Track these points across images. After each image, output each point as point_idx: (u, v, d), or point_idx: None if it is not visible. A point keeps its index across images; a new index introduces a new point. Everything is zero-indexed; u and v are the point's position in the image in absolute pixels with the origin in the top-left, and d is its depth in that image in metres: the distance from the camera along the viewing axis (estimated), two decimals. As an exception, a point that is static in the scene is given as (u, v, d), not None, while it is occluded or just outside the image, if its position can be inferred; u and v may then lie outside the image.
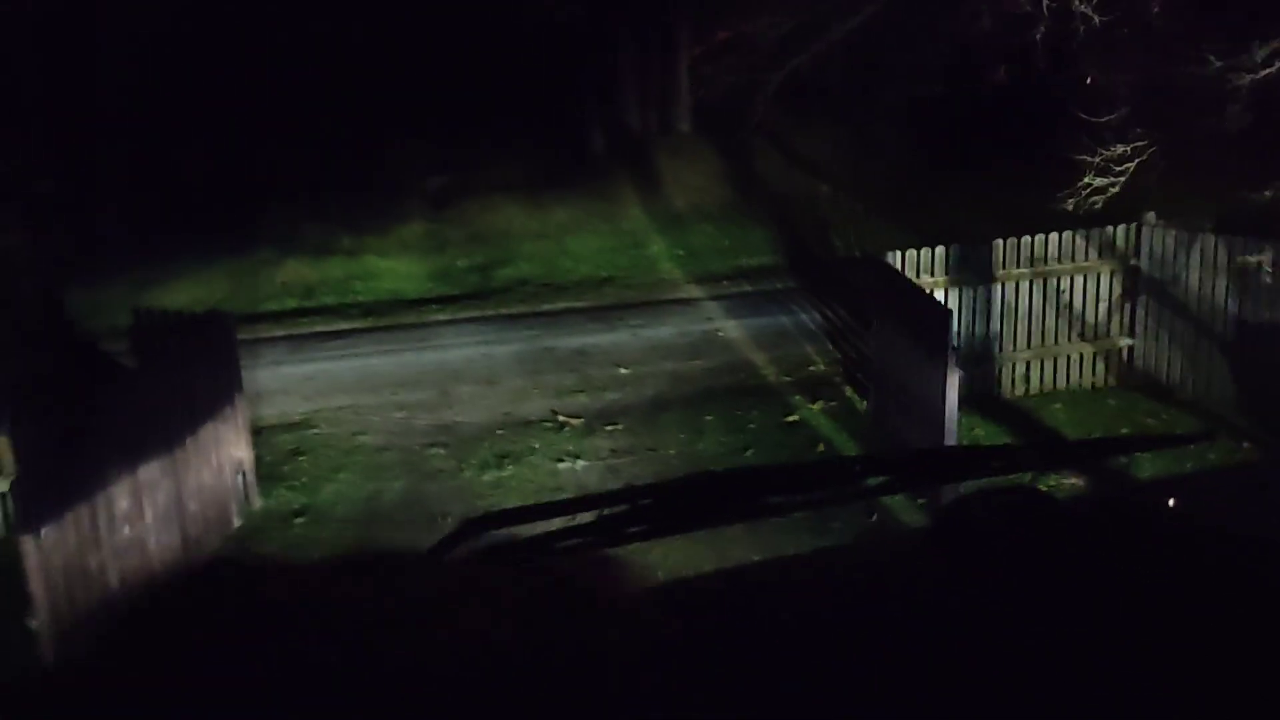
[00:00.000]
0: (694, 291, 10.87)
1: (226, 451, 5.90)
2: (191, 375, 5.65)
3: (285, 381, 8.39)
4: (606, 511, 1.55)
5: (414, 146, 14.87)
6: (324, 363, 8.87)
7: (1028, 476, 4.85)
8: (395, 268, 12.11)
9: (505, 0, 15.31)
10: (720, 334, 9.23)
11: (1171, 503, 2.02)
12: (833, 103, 16.03)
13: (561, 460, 6.79)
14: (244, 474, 6.08)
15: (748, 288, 10.89)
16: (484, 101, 15.41)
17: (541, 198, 14.01)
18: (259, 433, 7.37)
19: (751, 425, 7.18)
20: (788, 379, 8.12)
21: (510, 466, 6.71)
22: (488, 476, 6.60)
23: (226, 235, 12.57)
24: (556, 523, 1.51)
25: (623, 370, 8.41)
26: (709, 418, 7.35)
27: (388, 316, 10.39)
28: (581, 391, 8.00)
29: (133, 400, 5.28)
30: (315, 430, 7.47)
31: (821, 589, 1.58)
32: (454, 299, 10.95)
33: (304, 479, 6.70)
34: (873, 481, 1.79)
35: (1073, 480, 6.00)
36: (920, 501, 5.64)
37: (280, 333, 10.01)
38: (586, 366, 8.51)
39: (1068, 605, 1.41)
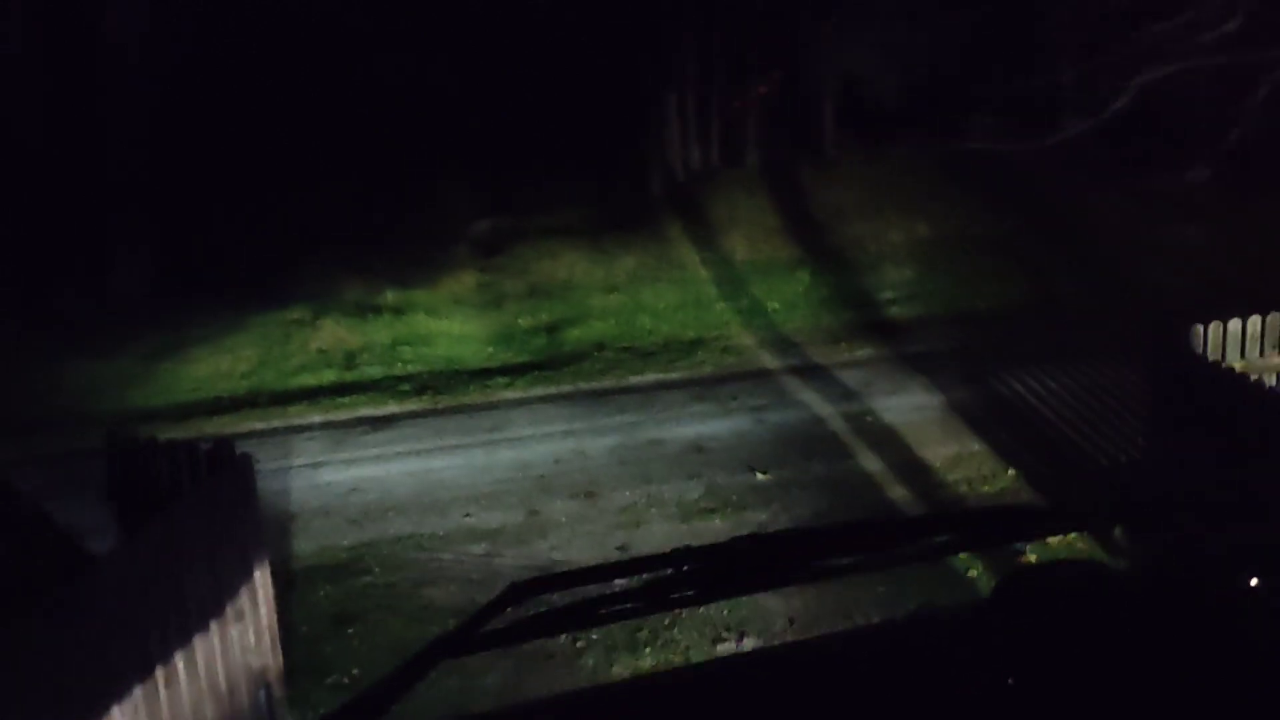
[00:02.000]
0: (811, 355, 8.72)
1: (241, 663, 3.79)
2: (186, 559, 3.55)
3: (325, 496, 6.30)
4: (654, 575, 1.46)
5: (458, 189, 12.87)
6: (372, 464, 6.77)
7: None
8: (448, 328, 10.04)
9: (551, 31, 13.36)
10: (869, 419, 7.09)
11: (1255, 582, 1.58)
12: (914, 134, 13.97)
13: (722, 639, 4.65)
14: (268, 691, 3.94)
15: (873, 350, 8.74)
16: (530, 139, 13.43)
17: (603, 243, 11.94)
18: (292, 582, 5.27)
19: (973, 574, 4.99)
20: (988, 490, 5.99)
21: (649, 651, 4.57)
22: (621, 667, 4.47)
23: (254, 291, 10.53)
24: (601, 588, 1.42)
25: (760, 476, 6.28)
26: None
27: (446, 394, 8.29)
28: (714, 511, 5.88)
29: (95, 608, 3.22)
30: (367, 578, 5.35)
31: (879, 662, 1.52)
32: (522, 369, 8.85)
33: (355, 669, 4.58)
34: (937, 540, 1.60)
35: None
36: None
37: (317, 418, 7.93)
38: (710, 469, 6.38)
39: (1124, 692, 1.32)
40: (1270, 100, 9.14)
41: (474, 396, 8.23)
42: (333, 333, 9.87)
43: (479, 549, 5.59)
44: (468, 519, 5.92)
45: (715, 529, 5.63)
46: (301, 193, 11.55)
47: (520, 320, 10.27)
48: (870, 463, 6.41)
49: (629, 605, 1.41)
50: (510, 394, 8.22)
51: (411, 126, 12.70)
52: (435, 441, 7.11)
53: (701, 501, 5.98)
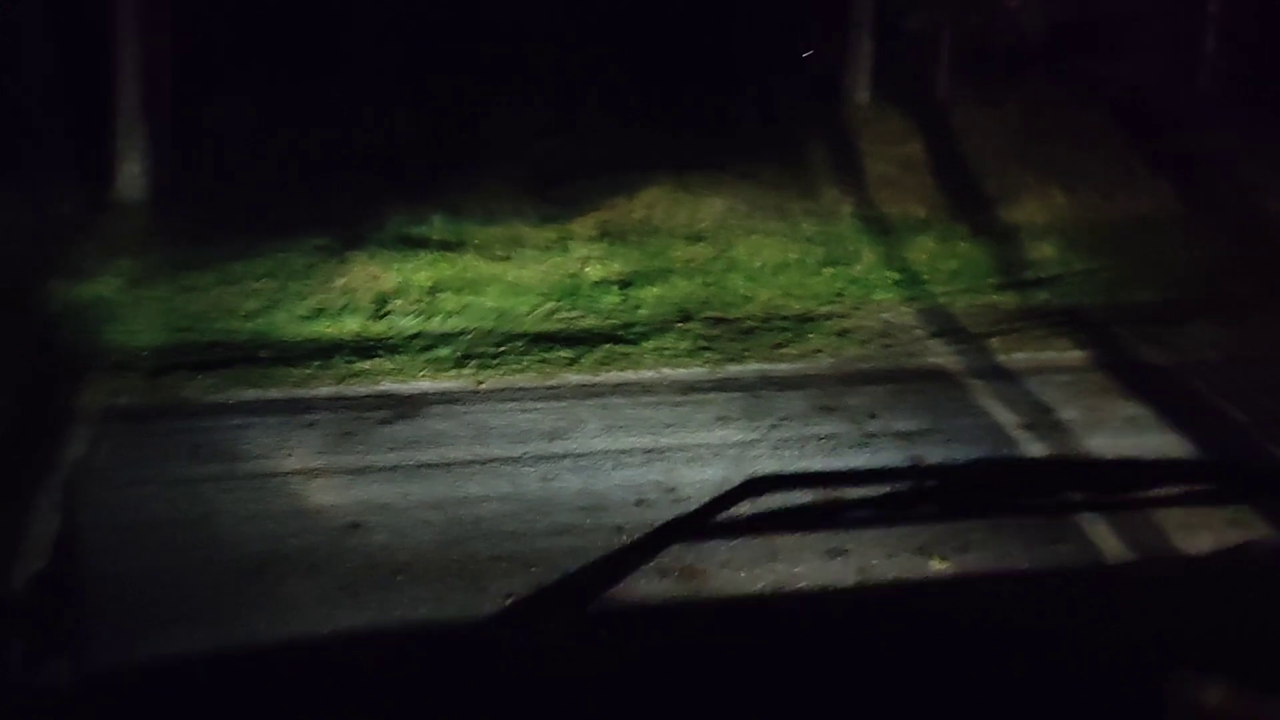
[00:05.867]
0: (959, 352, 6.43)
1: None
2: None
3: (315, 532, 4.21)
4: (894, 486, 1.34)
5: (518, 100, 10.56)
6: (386, 482, 4.64)
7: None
8: (501, 273, 7.83)
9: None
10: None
11: None
12: (1049, 77, 11.42)
13: None
14: None
15: (1051, 353, 6.43)
16: (600, 44, 11.07)
17: (687, 180, 9.61)
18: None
19: None
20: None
21: None
22: None
23: (274, 210, 8.38)
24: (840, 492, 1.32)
25: (936, 564, 4.12)
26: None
27: (493, 368, 6.12)
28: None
29: None
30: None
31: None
32: (589, 339, 6.65)
33: None
34: (1195, 487, 1.37)
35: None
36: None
37: (325, 389, 5.81)
38: (857, 543, 4.23)
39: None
40: None
41: (529, 375, 6.06)
42: (364, 269, 7.71)
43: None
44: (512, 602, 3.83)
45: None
46: (336, 93, 9.29)
47: (588, 270, 8.04)
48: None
49: (865, 513, 1.33)
50: (575, 376, 6.04)
51: (470, 22, 10.32)
52: (474, 450, 4.96)
53: (857, 605, 3.85)
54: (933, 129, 10.89)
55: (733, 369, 6.17)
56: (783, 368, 6.22)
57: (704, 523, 1.31)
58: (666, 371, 6.12)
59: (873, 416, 5.37)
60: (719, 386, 5.84)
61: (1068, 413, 5.46)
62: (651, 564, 1.30)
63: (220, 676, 1.09)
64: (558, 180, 9.62)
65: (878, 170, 10.29)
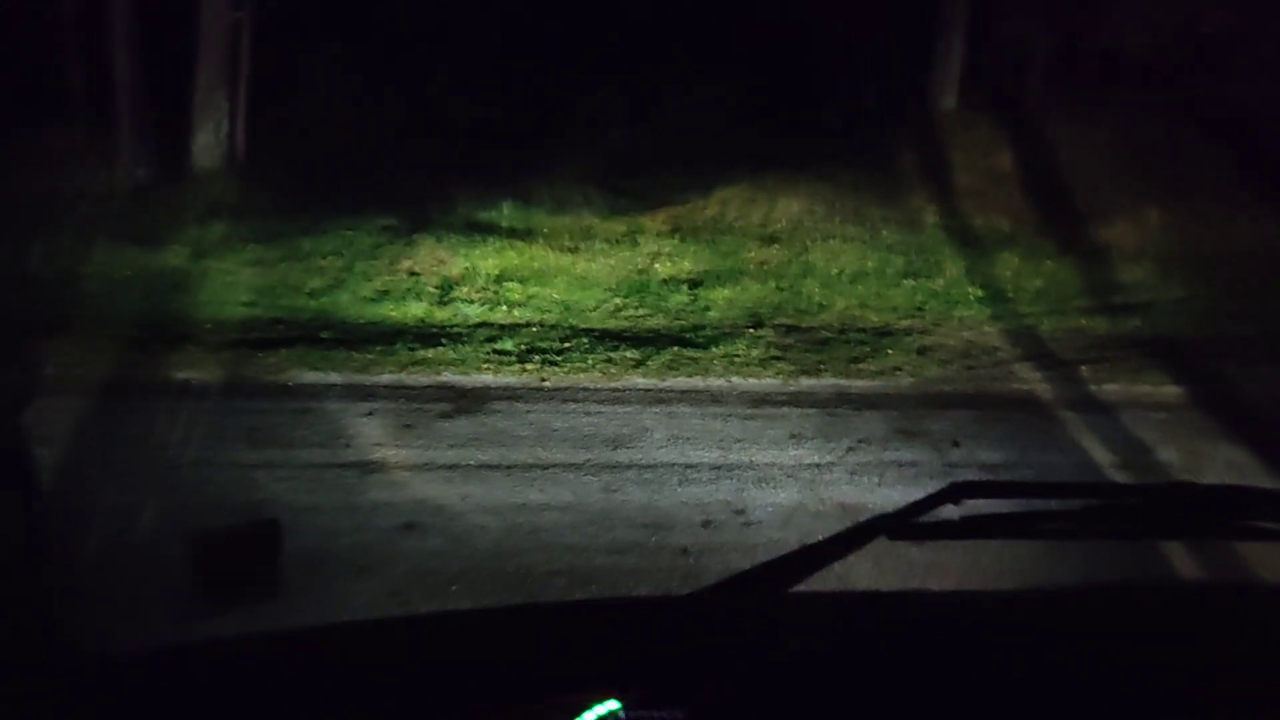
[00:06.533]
0: (1050, 378, 6.05)
1: None
2: None
3: (369, 530, 4.01)
4: (1094, 501, 1.42)
5: (599, 95, 10.32)
6: (444, 482, 4.42)
7: None
8: (570, 265, 7.61)
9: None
10: (1222, 552, 4.47)
11: None
12: (1150, 95, 10.89)
13: None
14: None
15: (1158, 386, 6.01)
16: (679, 32, 10.78)
17: (763, 178, 9.33)
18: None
19: None
20: None
21: None
22: None
23: (345, 187, 8.25)
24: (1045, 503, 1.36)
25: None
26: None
27: (557, 365, 5.89)
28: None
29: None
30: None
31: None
32: (657, 340, 6.39)
33: None
34: None
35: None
36: None
37: (386, 376, 5.63)
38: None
39: None
40: None
41: (593, 375, 5.83)
42: (431, 252, 7.55)
43: None
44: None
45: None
46: (420, 69, 9.13)
47: (658, 266, 7.80)
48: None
49: (1065, 525, 1.33)
50: (641, 379, 5.79)
51: (562, 5, 10.13)
52: (536, 453, 4.73)
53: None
54: (1022, 140, 10.45)
55: (806, 383, 5.87)
56: (860, 384, 5.91)
57: (908, 522, 1.35)
58: (736, 380, 5.85)
59: (956, 445, 5.04)
60: (792, 401, 5.55)
61: (1165, 454, 5.09)
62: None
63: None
64: (631, 172, 9.39)
65: (963, 180, 9.89)
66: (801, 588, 1.33)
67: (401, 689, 1.07)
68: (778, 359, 6.21)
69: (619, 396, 5.50)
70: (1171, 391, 5.99)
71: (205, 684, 1.10)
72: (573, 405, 5.35)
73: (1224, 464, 5.02)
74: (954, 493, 1.36)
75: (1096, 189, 9.54)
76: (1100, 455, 5.01)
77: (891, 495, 4.45)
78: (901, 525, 1.35)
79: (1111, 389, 5.99)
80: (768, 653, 0.98)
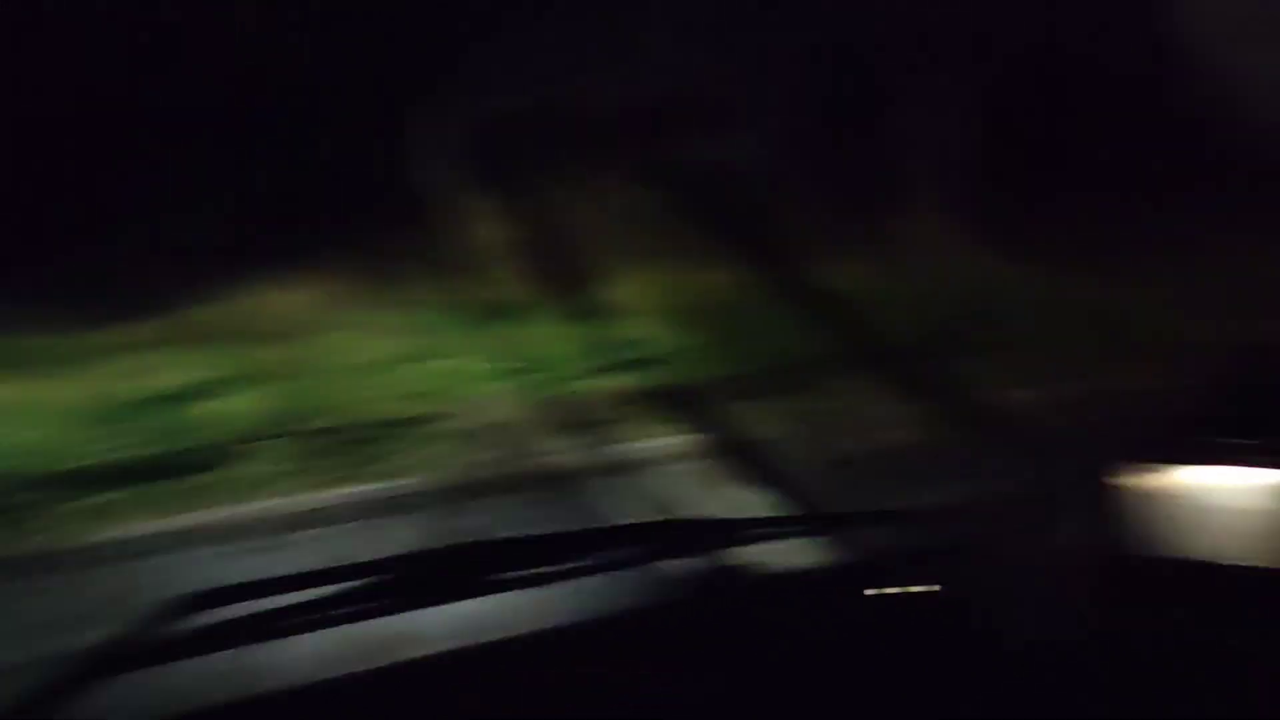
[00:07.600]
0: (579, 451, 6.00)
1: None
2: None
3: None
4: (352, 585, 1.32)
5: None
6: None
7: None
8: (18, 395, 6.24)
9: None
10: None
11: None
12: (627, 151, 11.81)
13: None
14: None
15: (690, 433, 6.18)
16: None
17: (271, 274, 8.59)
18: None
19: None
20: None
21: None
22: None
23: None
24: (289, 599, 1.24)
25: None
26: None
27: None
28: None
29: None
30: None
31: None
32: (152, 471, 5.37)
33: None
34: (623, 553, 1.46)
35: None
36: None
37: None
38: None
39: None
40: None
41: (72, 530, 4.73)
42: None
43: None
44: None
45: None
46: None
47: (150, 381, 6.71)
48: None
49: (307, 617, 1.23)
50: (141, 526, 4.81)
51: None
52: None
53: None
54: (527, 211, 10.72)
55: (335, 494, 5.28)
56: (397, 484, 5.45)
57: (124, 652, 1.22)
58: (259, 505, 5.09)
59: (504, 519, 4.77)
60: (325, 519, 4.93)
61: (702, 499, 5.25)
62: None
63: None
64: (111, 276, 8.10)
65: (476, 255, 9.87)
66: None
67: None
68: (303, 471, 5.54)
69: (95, 554, 4.48)
70: (696, 439, 6.26)
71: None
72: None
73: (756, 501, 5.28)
74: (173, 610, 1.21)
75: (600, 251, 10.02)
76: (648, 514, 5.03)
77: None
78: (120, 657, 1.19)
79: (640, 446, 6.13)
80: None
